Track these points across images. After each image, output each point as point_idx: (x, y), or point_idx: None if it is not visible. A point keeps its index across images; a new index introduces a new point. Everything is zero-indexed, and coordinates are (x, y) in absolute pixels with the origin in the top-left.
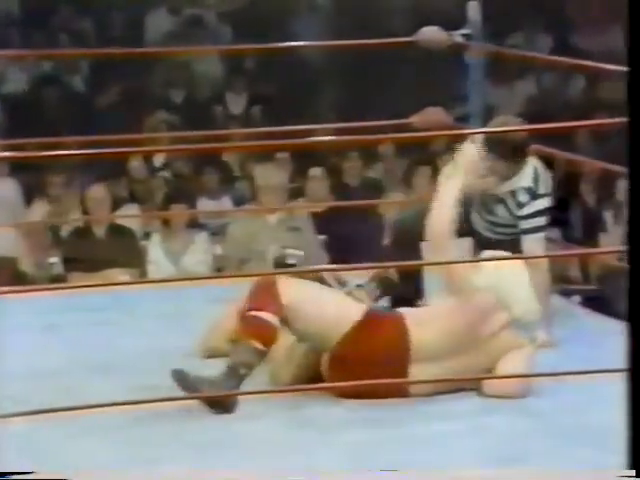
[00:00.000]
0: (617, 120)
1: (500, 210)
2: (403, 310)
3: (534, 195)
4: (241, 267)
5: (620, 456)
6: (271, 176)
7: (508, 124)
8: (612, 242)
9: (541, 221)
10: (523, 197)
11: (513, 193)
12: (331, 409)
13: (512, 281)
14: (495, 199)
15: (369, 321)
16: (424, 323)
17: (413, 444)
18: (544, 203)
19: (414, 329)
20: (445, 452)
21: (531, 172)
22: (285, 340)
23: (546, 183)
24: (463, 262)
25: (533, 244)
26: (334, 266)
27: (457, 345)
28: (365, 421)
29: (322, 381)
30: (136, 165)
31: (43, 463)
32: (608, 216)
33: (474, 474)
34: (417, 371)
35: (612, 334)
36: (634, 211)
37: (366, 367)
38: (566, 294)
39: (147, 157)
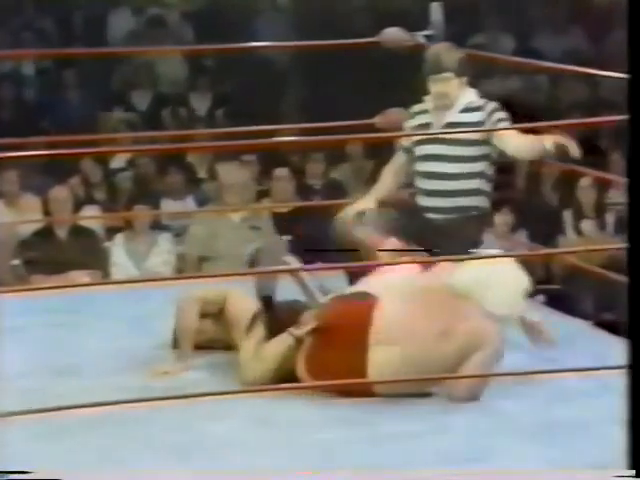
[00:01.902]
0: (608, 119)
1: (456, 135)
2: (378, 293)
3: (485, 102)
4: (203, 266)
5: (584, 454)
6: (235, 175)
7: (441, 49)
8: (573, 242)
9: (503, 115)
10: (473, 105)
11: (465, 110)
12: (298, 409)
13: (489, 273)
14: (447, 127)
15: (335, 303)
16: (392, 304)
17: (379, 444)
18: (495, 105)
19: (379, 310)
20: (410, 452)
21: (472, 92)
22: (255, 336)
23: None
24: (448, 260)
25: (506, 133)
26: (300, 266)
27: (420, 329)
28: (331, 421)
29: (294, 379)
30: (96, 166)
31: (15, 464)
32: (568, 216)
33: (440, 474)
34: (377, 353)
35: (576, 333)
36: (634, 211)
37: (331, 350)
38: (530, 294)
39: (109, 157)
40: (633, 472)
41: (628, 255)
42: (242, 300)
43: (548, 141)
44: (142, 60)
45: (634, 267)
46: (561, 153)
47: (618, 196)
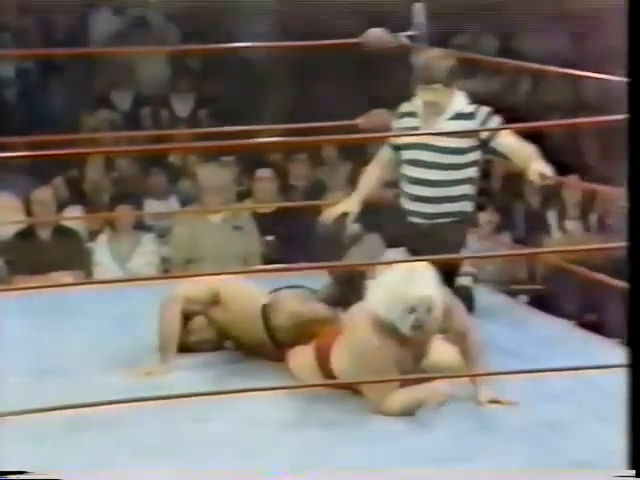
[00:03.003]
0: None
1: (445, 143)
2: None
3: (475, 108)
4: (187, 268)
5: (563, 453)
6: (215, 176)
7: (432, 58)
8: (558, 241)
9: (499, 120)
10: (462, 112)
11: (455, 117)
12: (286, 409)
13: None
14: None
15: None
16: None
17: (360, 443)
18: (488, 110)
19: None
20: (397, 452)
21: (462, 97)
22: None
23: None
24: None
25: (509, 135)
26: (280, 266)
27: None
28: (313, 421)
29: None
30: (91, 167)
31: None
32: (552, 216)
33: (428, 473)
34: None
35: (558, 333)
36: (634, 211)
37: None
38: (513, 294)
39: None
40: (633, 472)
41: (628, 255)
42: (238, 285)
43: (533, 174)
44: (125, 61)
45: (634, 267)
46: (543, 181)
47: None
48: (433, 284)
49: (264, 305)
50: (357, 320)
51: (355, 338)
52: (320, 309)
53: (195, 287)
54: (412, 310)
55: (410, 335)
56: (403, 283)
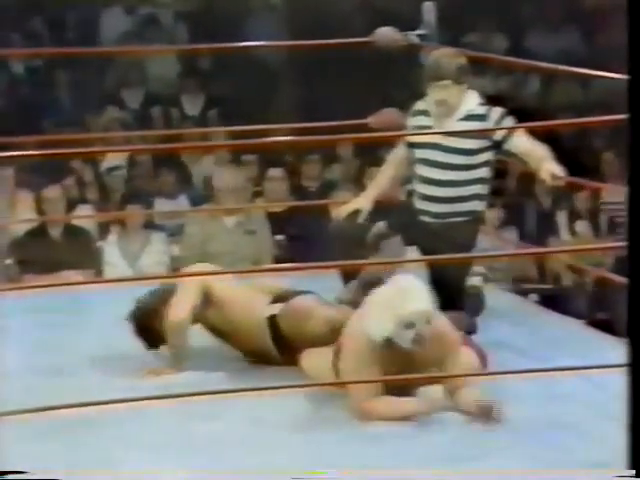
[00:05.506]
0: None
1: (457, 144)
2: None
3: (488, 110)
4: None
5: (571, 453)
6: (229, 179)
7: (441, 56)
8: (567, 243)
9: (513, 122)
10: (474, 113)
11: (467, 117)
12: (290, 409)
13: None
14: (449, 136)
15: None
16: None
17: (362, 443)
18: (502, 111)
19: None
20: (405, 451)
21: (474, 98)
22: None
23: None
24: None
25: (523, 136)
26: (290, 265)
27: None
28: (322, 420)
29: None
30: (86, 166)
31: (7, 464)
32: (562, 217)
33: (435, 474)
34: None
35: (568, 332)
36: (634, 211)
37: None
38: (523, 293)
39: (99, 157)
40: (633, 472)
41: (628, 254)
42: (234, 289)
43: (545, 174)
44: (135, 60)
45: (634, 266)
46: (555, 183)
47: (611, 197)
48: (427, 297)
49: (273, 316)
50: (351, 335)
51: (346, 351)
52: (349, 312)
53: (190, 294)
54: (410, 325)
55: (410, 349)
56: (398, 299)
